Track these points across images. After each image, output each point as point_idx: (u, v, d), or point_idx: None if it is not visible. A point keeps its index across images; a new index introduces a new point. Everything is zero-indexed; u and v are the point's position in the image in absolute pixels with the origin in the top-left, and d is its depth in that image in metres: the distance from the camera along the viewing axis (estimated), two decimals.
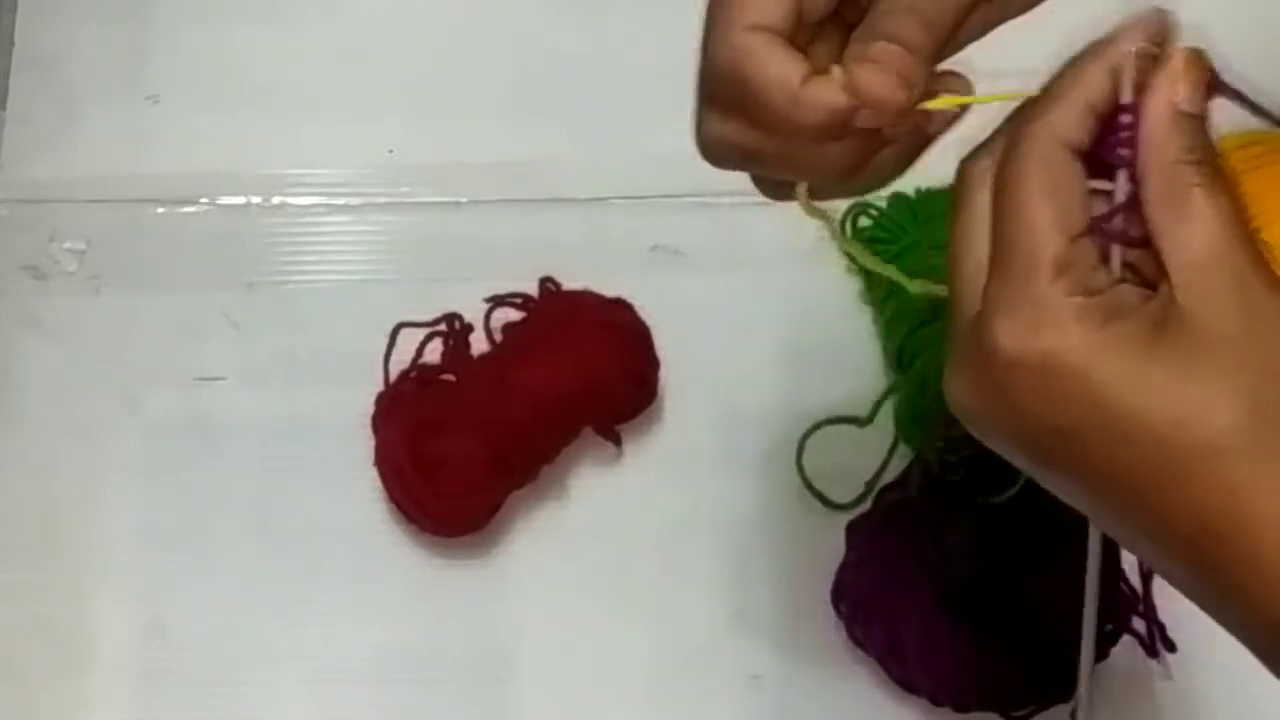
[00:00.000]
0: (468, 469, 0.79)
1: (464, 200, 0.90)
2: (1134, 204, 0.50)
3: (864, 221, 0.87)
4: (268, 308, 0.87)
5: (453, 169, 0.91)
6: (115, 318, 0.87)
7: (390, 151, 0.91)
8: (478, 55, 0.93)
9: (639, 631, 0.81)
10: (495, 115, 0.92)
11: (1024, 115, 0.51)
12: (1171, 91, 0.51)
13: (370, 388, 0.83)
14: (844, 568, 0.80)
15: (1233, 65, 0.53)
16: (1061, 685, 0.77)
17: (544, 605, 0.82)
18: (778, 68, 0.53)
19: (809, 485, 0.82)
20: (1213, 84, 0.52)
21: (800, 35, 0.54)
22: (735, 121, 0.56)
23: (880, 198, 0.85)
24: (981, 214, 0.51)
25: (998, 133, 0.53)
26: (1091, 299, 0.49)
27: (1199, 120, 0.51)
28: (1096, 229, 0.50)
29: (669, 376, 0.84)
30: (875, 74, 0.52)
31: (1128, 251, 0.51)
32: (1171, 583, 0.50)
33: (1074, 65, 0.51)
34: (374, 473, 0.81)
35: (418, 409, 0.81)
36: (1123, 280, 0.50)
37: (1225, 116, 0.89)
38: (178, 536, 0.83)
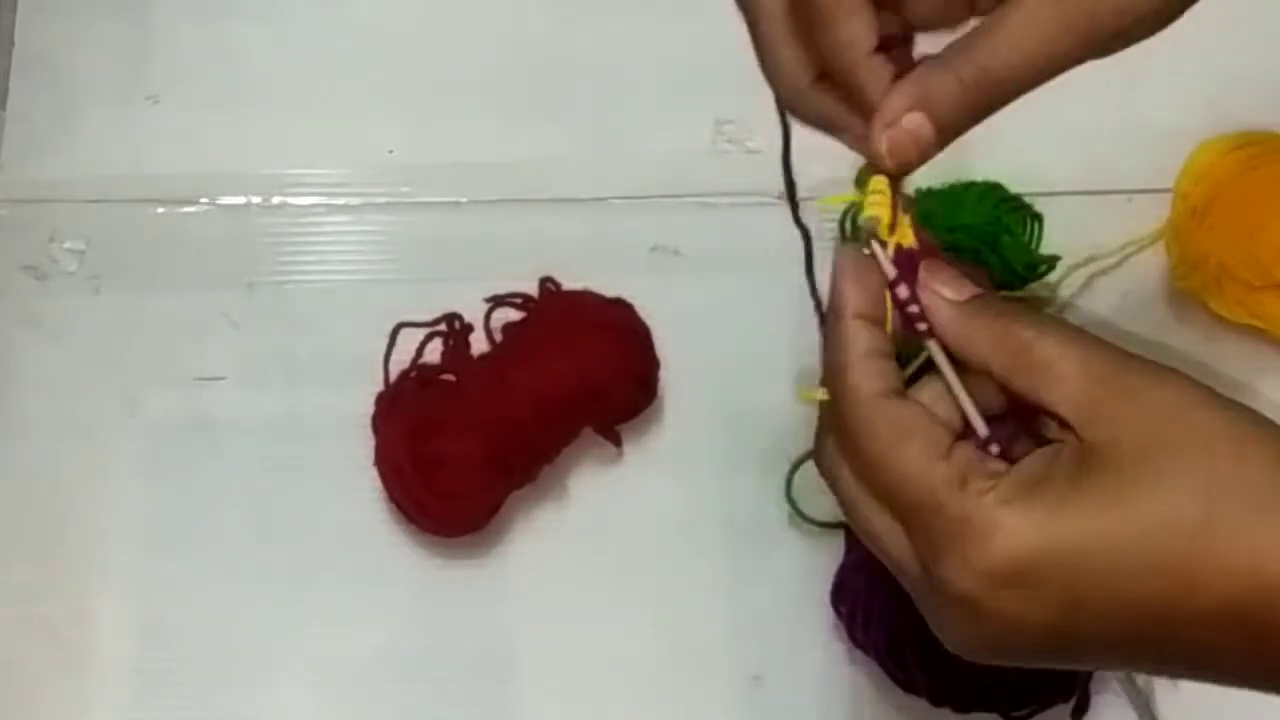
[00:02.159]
0: (468, 469, 0.79)
1: (464, 200, 0.90)
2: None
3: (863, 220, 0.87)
4: (268, 308, 0.87)
5: (453, 169, 0.91)
6: (115, 318, 0.87)
7: (390, 151, 0.91)
8: (478, 55, 0.93)
9: (639, 631, 0.81)
10: (495, 115, 0.92)
11: (830, 394, 0.53)
12: (938, 296, 0.53)
13: (370, 388, 0.83)
14: (844, 569, 0.80)
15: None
16: (1061, 685, 0.77)
17: (544, 605, 0.82)
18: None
19: (800, 513, 0.82)
20: (929, 255, 0.54)
21: None
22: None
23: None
24: (857, 493, 0.52)
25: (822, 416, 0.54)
26: (1005, 486, 0.49)
27: (979, 292, 0.53)
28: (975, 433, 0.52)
29: (669, 376, 0.84)
30: (889, 141, 0.53)
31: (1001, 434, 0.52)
32: (1236, 685, 0.50)
33: (831, 337, 0.53)
34: (374, 473, 0.81)
35: (418, 409, 0.81)
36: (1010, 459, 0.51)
37: (1223, 116, 0.89)
38: (178, 536, 0.83)
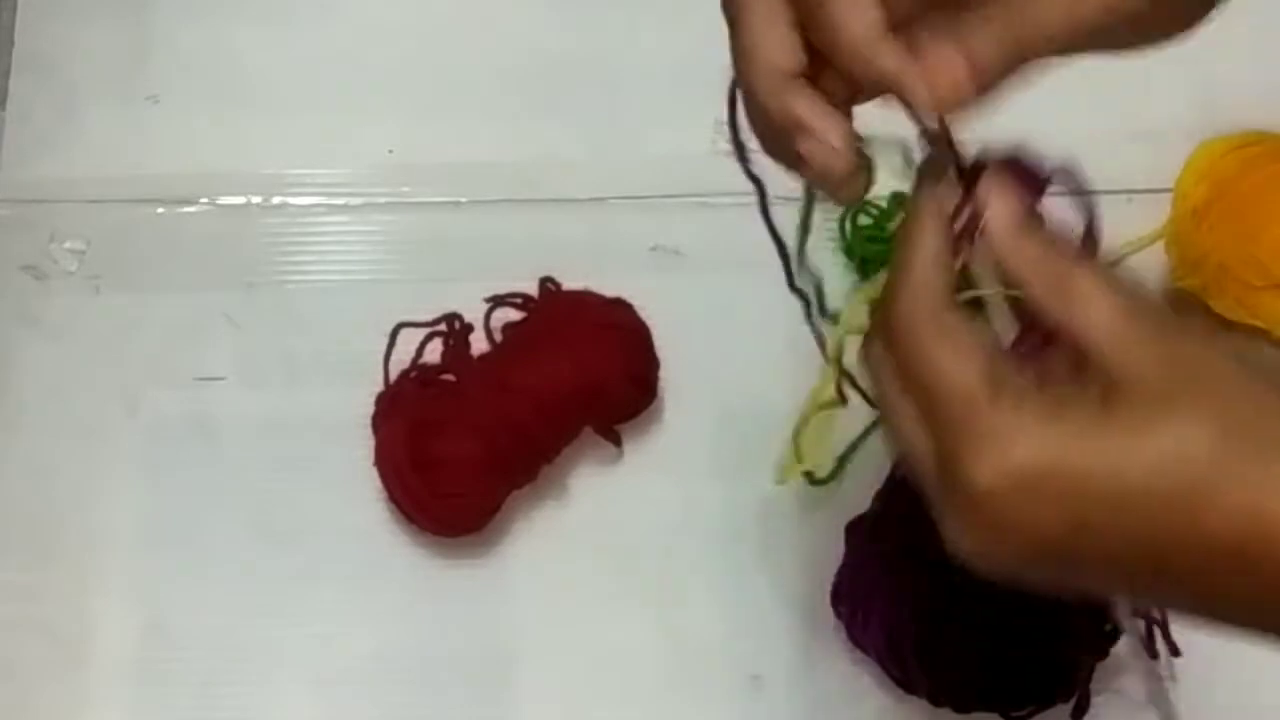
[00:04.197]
0: (468, 469, 0.79)
1: (464, 200, 0.90)
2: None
3: (864, 219, 0.87)
4: (268, 308, 0.87)
5: (453, 169, 0.91)
6: (115, 318, 0.87)
7: (390, 151, 0.91)
8: (478, 55, 0.93)
9: (639, 631, 0.81)
10: (495, 115, 0.92)
11: (888, 290, 0.53)
12: (998, 209, 0.53)
13: (370, 388, 0.83)
14: (843, 569, 0.80)
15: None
16: (1061, 685, 0.77)
17: (544, 605, 0.82)
18: (864, 12, 0.53)
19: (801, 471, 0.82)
20: (1016, 170, 0.54)
21: None
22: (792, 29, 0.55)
23: (881, 196, 0.85)
24: (892, 386, 0.53)
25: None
26: (1035, 403, 0.50)
27: (1035, 215, 0.53)
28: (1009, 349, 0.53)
29: (669, 376, 0.84)
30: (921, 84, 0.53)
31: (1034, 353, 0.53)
32: (1231, 628, 0.51)
33: (905, 234, 0.54)
34: (374, 473, 0.81)
35: (418, 409, 0.81)
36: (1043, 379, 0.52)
37: (1223, 116, 0.89)
38: (178, 536, 0.83)
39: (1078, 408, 0.50)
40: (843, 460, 0.82)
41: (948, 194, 0.54)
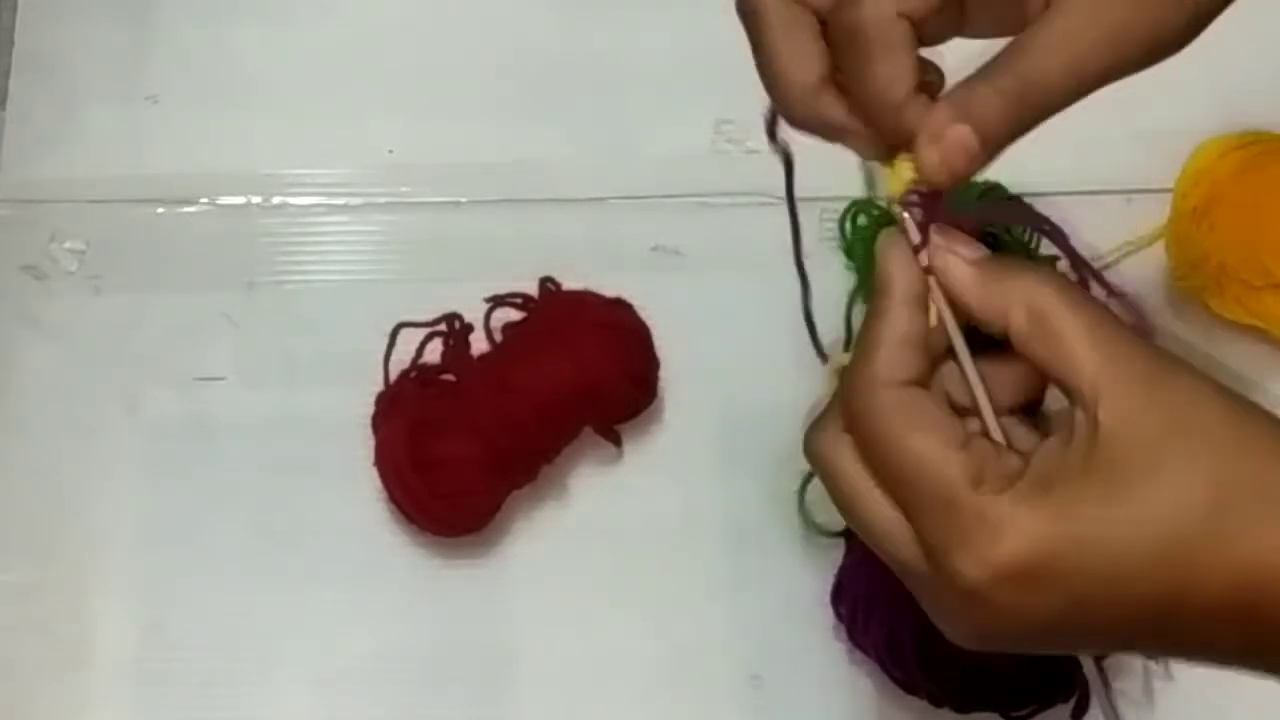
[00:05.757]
0: (467, 469, 0.79)
1: (464, 200, 0.90)
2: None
3: (863, 220, 0.87)
4: (268, 308, 0.87)
5: (453, 169, 0.91)
6: (115, 318, 0.87)
7: (390, 151, 0.91)
8: (478, 55, 0.93)
9: (639, 631, 0.81)
10: (495, 115, 0.92)
11: (853, 373, 0.52)
12: (957, 261, 0.52)
13: (370, 388, 0.83)
14: (844, 569, 0.80)
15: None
16: (1062, 685, 0.77)
17: (544, 605, 0.82)
18: (897, 69, 0.53)
19: (813, 524, 0.82)
20: (967, 223, 0.54)
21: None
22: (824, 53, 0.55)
23: (880, 197, 0.84)
24: (860, 482, 0.52)
25: (830, 404, 0.53)
26: (1019, 484, 0.49)
27: (993, 258, 0.52)
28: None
29: (669, 376, 0.84)
30: (940, 154, 0.53)
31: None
32: (1234, 670, 0.50)
33: (874, 312, 0.53)
34: (374, 473, 0.81)
35: (418, 409, 0.81)
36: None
37: (1222, 116, 0.89)
38: (178, 536, 0.83)
39: (1062, 480, 0.49)
40: None
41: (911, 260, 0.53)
